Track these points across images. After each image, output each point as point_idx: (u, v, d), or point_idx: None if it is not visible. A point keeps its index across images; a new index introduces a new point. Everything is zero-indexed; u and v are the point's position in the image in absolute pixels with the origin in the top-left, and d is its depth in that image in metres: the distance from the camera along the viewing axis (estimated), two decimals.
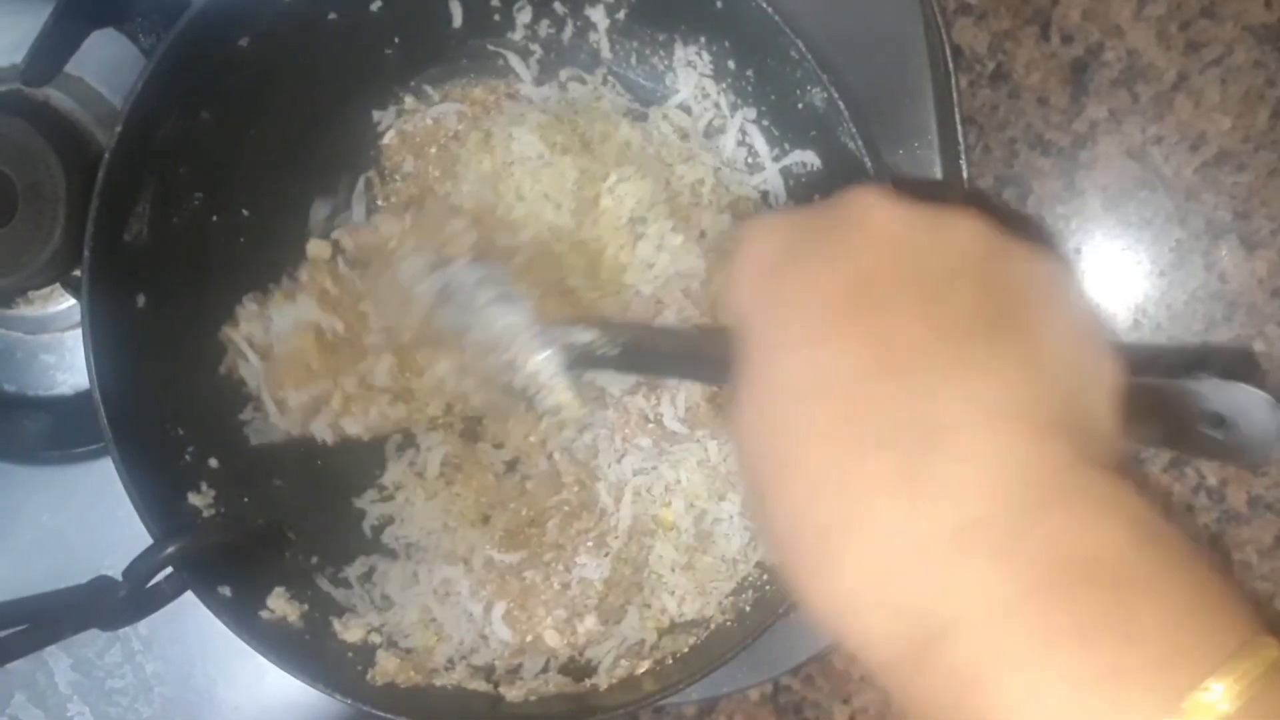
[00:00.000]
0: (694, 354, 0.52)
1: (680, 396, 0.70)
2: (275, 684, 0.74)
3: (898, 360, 0.38)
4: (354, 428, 0.67)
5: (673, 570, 0.70)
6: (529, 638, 0.70)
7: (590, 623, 0.70)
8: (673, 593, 0.70)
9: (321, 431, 0.65)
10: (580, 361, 0.54)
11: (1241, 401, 0.46)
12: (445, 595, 0.70)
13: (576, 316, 0.64)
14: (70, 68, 0.75)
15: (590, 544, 0.71)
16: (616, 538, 0.71)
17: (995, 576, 0.34)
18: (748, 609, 0.68)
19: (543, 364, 0.55)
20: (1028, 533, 0.34)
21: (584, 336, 0.54)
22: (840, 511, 0.37)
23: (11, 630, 0.57)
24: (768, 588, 0.67)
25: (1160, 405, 0.48)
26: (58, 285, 0.76)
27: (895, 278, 0.40)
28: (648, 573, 0.70)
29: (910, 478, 0.36)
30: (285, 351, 0.65)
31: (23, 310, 0.78)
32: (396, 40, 0.71)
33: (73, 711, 0.76)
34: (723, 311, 0.45)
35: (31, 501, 0.77)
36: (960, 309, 0.39)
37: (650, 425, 0.71)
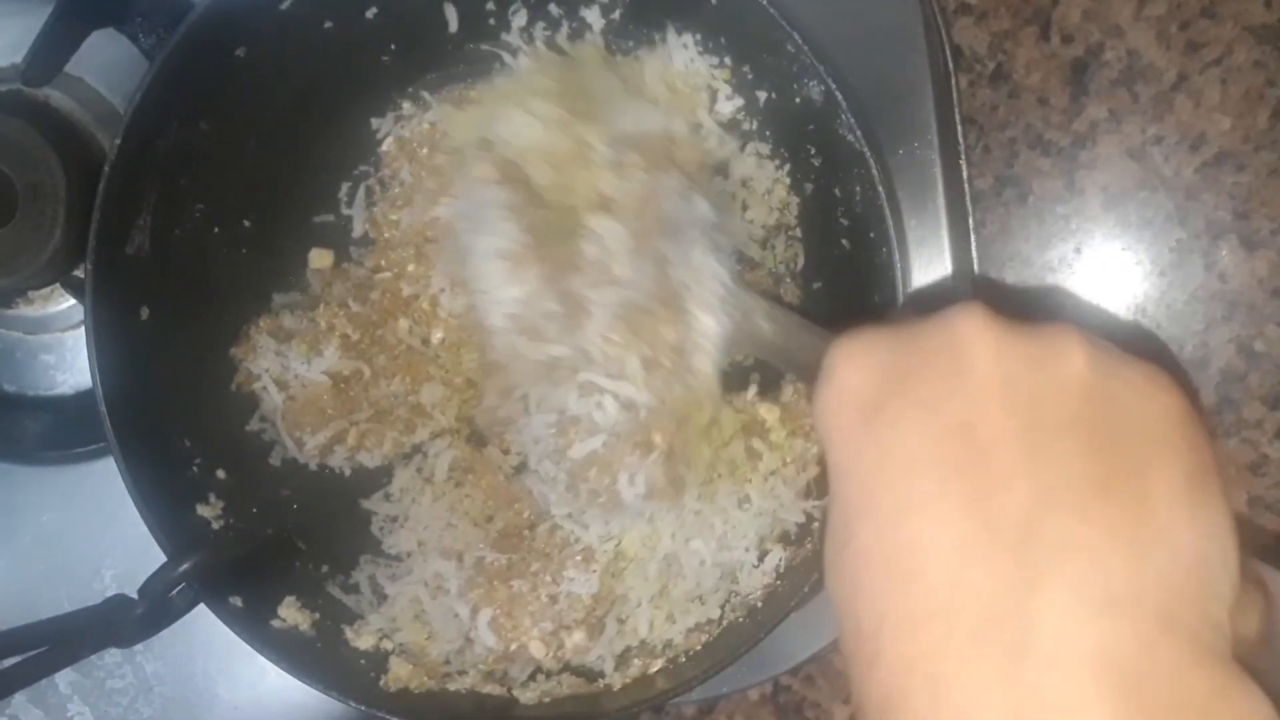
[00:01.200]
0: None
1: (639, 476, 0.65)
2: (275, 684, 0.75)
3: (998, 537, 0.35)
4: (371, 461, 0.67)
5: (644, 601, 0.69)
6: (514, 646, 0.69)
7: (578, 637, 0.69)
8: (647, 618, 0.68)
9: (339, 464, 0.66)
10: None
11: None
12: (436, 589, 0.69)
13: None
14: (70, 68, 0.75)
15: (579, 558, 0.70)
16: (605, 553, 0.70)
17: None
18: (759, 605, 0.67)
19: None
20: None
21: None
22: (930, 713, 0.35)
23: (30, 653, 0.58)
24: (779, 584, 0.67)
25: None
26: (58, 285, 0.76)
27: (998, 429, 0.37)
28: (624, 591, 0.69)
29: (1007, 685, 0.34)
30: (304, 395, 0.65)
31: (23, 310, 0.78)
32: (393, 47, 0.71)
33: (73, 711, 0.77)
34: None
35: (31, 501, 0.77)
36: (1069, 468, 0.36)
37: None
